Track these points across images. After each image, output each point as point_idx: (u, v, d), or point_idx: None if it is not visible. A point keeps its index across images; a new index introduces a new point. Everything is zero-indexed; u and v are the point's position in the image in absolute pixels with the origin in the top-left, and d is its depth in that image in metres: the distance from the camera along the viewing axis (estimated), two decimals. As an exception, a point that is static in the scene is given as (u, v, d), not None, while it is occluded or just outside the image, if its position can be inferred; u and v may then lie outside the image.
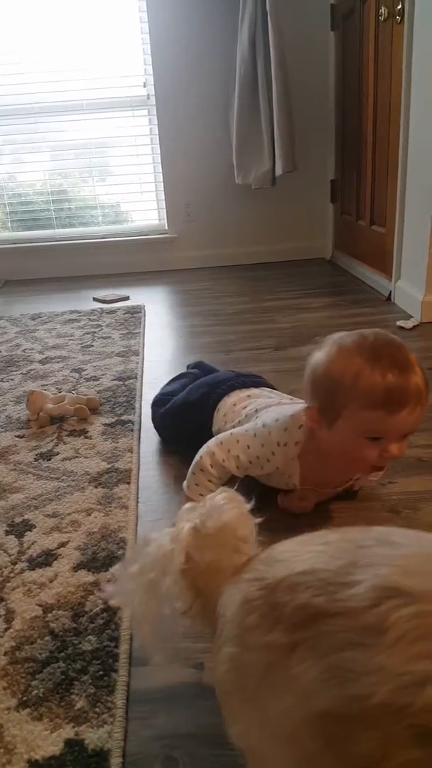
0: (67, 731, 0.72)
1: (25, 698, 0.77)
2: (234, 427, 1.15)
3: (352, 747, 0.40)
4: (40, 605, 0.92)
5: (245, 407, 1.20)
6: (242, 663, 0.50)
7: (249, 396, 1.24)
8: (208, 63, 3.03)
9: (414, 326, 2.09)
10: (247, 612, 0.51)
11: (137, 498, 1.22)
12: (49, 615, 0.90)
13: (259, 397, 1.23)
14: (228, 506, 0.65)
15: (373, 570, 0.45)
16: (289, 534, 0.57)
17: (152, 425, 1.47)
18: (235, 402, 1.23)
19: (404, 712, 0.38)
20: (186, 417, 1.32)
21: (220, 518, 0.63)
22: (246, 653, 0.49)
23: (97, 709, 0.75)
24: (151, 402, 1.49)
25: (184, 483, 1.14)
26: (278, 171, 2.92)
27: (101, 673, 0.80)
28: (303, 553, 0.51)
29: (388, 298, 2.43)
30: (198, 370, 1.57)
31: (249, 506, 0.67)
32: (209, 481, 1.09)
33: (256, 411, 1.15)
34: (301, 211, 3.28)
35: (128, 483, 1.26)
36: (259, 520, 0.67)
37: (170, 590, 0.61)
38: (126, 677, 0.80)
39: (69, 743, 0.70)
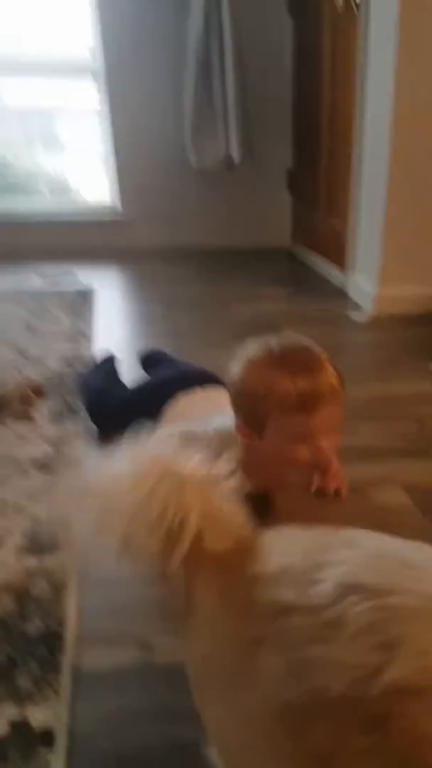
0: (12, 712, 0.71)
1: (-33, 681, 0.75)
2: None
3: (310, 737, 0.42)
4: (-16, 589, 0.90)
5: (186, 412, 1.19)
6: (215, 654, 0.51)
7: (193, 400, 1.23)
8: (160, 39, 2.94)
9: (367, 320, 2.13)
10: (222, 604, 0.52)
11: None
12: (-6, 598, 0.88)
13: (203, 401, 1.22)
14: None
15: (336, 569, 0.47)
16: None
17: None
18: (179, 407, 1.22)
19: (358, 703, 0.40)
20: (131, 425, 1.29)
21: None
22: (218, 645, 0.51)
23: (42, 691, 0.74)
24: (85, 408, 1.44)
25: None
26: (236, 159, 2.92)
27: (47, 655, 0.79)
28: (276, 551, 0.53)
29: (343, 291, 2.47)
30: (148, 359, 1.57)
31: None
32: None
33: (196, 422, 1.15)
34: (258, 198, 3.28)
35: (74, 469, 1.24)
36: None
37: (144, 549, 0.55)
38: (72, 658, 0.80)
39: (14, 725, 0.69)
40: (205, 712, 0.53)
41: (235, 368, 0.96)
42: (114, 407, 1.34)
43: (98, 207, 3.35)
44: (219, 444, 1.04)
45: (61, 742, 0.68)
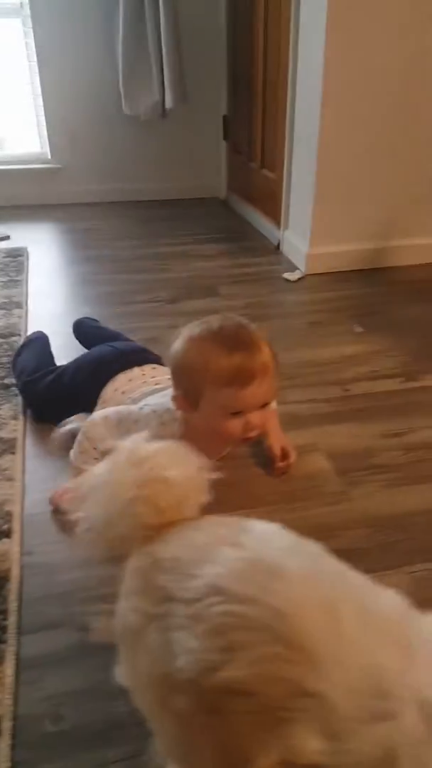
0: (-43, 704, 0.77)
1: None
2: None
3: (171, 706, 0.52)
4: None
5: (124, 393, 1.24)
6: (127, 620, 0.60)
7: (130, 380, 1.27)
8: None
9: (299, 278, 2.18)
10: (133, 578, 0.61)
11: (23, 469, 1.23)
12: None
13: (139, 381, 1.26)
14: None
15: (212, 568, 0.54)
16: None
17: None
18: (116, 388, 1.26)
19: (200, 689, 0.49)
20: (68, 409, 1.31)
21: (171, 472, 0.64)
22: (129, 612, 0.59)
23: (-13, 681, 0.80)
24: (22, 388, 1.44)
25: (71, 451, 1.17)
26: (168, 103, 2.82)
27: (-10, 645, 0.85)
28: (180, 539, 0.61)
29: (278, 248, 2.49)
30: (79, 336, 1.60)
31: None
32: (94, 449, 1.13)
33: (133, 401, 1.20)
34: (193, 145, 3.20)
35: (14, 453, 1.26)
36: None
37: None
38: (15, 647, 0.86)
39: (-41, 715, 0.75)
40: (119, 666, 0.63)
41: (177, 344, 1.03)
42: (52, 390, 1.36)
43: (27, 155, 3.20)
44: (157, 423, 1.10)
45: (5, 726, 0.75)
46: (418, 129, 2.11)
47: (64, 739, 0.77)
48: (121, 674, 0.62)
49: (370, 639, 0.48)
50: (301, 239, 2.27)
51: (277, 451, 1.21)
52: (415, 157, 2.15)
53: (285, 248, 2.44)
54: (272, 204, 2.55)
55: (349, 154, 2.09)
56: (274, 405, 1.21)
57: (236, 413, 1.00)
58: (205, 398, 1.01)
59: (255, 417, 1.01)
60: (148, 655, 0.55)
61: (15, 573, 0.98)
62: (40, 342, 1.58)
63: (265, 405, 1.02)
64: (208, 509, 1.14)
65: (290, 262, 2.35)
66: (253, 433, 1.03)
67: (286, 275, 2.19)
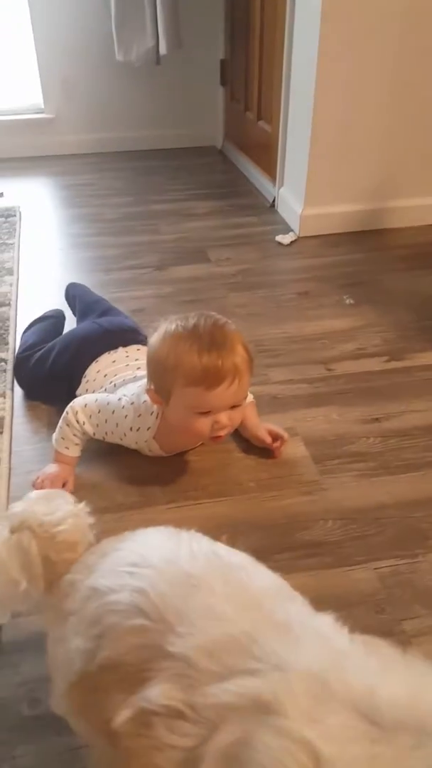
0: None
1: None
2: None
3: (74, 700, 0.60)
4: None
5: (106, 376, 1.25)
6: (49, 653, 0.66)
7: (114, 361, 1.28)
8: None
9: (292, 242, 2.13)
10: (48, 616, 0.67)
11: (10, 449, 1.26)
12: None
13: (122, 363, 1.28)
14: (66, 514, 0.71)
15: (92, 576, 0.61)
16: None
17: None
18: (99, 369, 1.27)
19: (86, 675, 0.56)
20: (53, 386, 1.34)
21: (59, 527, 0.68)
22: (49, 646, 0.66)
23: (-32, 669, 0.86)
24: (15, 364, 1.46)
25: (53, 435, 1.19)
26: (162, 50, 2.68)
27: (-28, 634, 0.90)
28: (111, 551, 0.65)
29: (272, 205, 2.43)
30: (70, 303, 1.59)
31: (85, 512, 0.73)
32: (74, 435, 1.16)
33: (114, 386, 1.22)
34: (189, 92, 3.06)
35: (0, 433, 1.29)
36: (92, 521, 0.73)
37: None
38: (-5, 635, 0.91)
39: None
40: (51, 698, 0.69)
41: (153, 339, 1.04)
42: (37, 368, 1.38)
43: (19, 106, 3.08)
44: (134, 415, 1.12)
45: (-16, 712, 0.81)
46: (420, 82, 2.00)
47: (39, 723, 0.83)
48: (53, 704, 0.65)
49: (234, 610, 0.53)
50: (297, 198, 2.21)
51: (265, 437, 1.22)
52: (413, 113, 2.05)
53: (280, 207, 2.38)
54: (268, 158, 2.47)
55: (347, 107, 1.99)
56: (250, 398, 1.22)
57: (205, 413, 1.01)
58: (174, 395, 1.02)
59: (223, 417, 1.02)
60: (59, 672, 0.61)
61: None
62: (52, 320, 1.57)
63: (235, 406, 1.03)
64: (184, 493, 1.17)
65: (284, 222, 2.29)
66: (222, 432, 1.04)
67: (279, 238, 2.14)
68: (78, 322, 1.56)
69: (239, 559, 0.62)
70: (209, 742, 0.45)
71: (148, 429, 1.12)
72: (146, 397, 1.11)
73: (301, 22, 1.99)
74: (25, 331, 1.56)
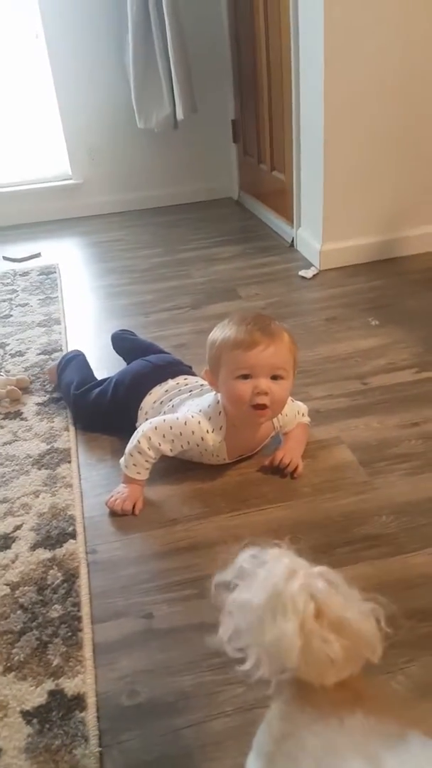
0: (49, 684, 0.91)
1: (9, 664, 0.95)
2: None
3: None
4: (7, 584, 1.09)
5: (162, 403, 1.37)
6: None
7: (167, 391, 1.40)
8: (98, 2, 2.93)
9: (314, 275, 2.27)
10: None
11: (79, 476, 1.37)
12: (17, 592, 1.07)
13: (174, 390, 1.39)
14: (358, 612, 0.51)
15: None
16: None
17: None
18: (155, 400, 1.39)
19: None
20: (114, 418, 1.46)
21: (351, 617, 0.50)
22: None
23: (70, 663, 0.94)
24: (72, 402, 1.56)
25: (121, 461, 1.28)
26: (179, 115, 2.92)
27: (69, 634, 0.99)
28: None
29: (292, 245, 2.59)
30: (120, 348, 1.73)
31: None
32: (146, 461, 1.26)
33: (173, 407, 1.33)
34: (205, 151, 3.31)
35: (69, 462, 1.40)
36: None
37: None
38: (90, 634, 1.00)
39: (52, 693, 0.90)
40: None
41: (212, 332, 1.22)
42: (97, 404, 1.49)
43: (49, 174, 3.35)
44: (205, 420, 1.24)
45: (90, 701, 0.89)
46: (419, 119, 2.18)
47: (139, 711, 0.90)
48: None
49: None
50: (314, 236, 2.36)
51: (277, 457, 1.31)
52: (418, 146, 2.22)
53: (299, 245, 2.54)
54: (284, 203, 2.64)
55: (354, 149, 2.17)
56: (306, 419, 1.35)
57: (245, 376, 1.14)
58: (221, 366, 1.17)
59: (263, 382, 1.14)
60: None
61: (83, 570, 1.12)
62: (78, 359, 1.71)
63: (276, 377, 1.15)
64: (245, 501, 1.26)
65: (305, 258, 2.45)
66: (261, 399, 1.13)
67: (302, 273, 2.29)
68: (127, 362, 1.69)
69: None
70: None
71: (221, 428, 1.23)
72: (210, 401, 1.23)
73: (306, 77, 2.19)
74: (60, 374, 1.65)
